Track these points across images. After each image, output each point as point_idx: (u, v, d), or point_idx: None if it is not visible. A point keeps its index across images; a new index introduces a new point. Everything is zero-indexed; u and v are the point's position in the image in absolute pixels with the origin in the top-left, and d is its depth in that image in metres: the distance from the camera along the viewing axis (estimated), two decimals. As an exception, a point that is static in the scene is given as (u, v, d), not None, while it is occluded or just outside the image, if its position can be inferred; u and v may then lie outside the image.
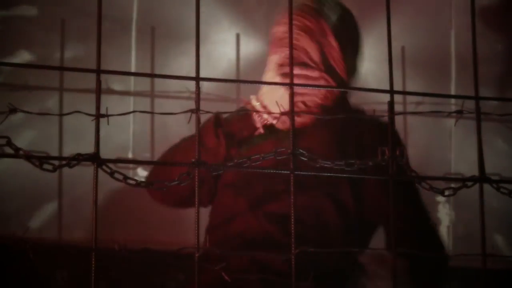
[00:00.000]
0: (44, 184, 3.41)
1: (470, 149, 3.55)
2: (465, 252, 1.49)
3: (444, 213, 3.70)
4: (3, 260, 3.17)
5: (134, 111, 1.58)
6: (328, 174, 1.38)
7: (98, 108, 1.31)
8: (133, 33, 3.52)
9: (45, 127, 3.41)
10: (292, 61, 1.43)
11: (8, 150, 1.28)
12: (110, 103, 1.34)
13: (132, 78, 3.49)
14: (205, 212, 2.38)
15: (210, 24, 3.51)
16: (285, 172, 1.34)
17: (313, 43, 2.32)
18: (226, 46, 3.59)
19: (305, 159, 1.37)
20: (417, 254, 2.07)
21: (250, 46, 3.62)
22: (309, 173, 1.37)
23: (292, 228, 1.34)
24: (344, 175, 1.41)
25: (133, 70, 3.50)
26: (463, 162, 3.70)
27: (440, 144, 3.73)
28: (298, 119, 2.13)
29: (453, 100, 3.39)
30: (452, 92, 3.71)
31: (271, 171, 1.43)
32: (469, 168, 3.46)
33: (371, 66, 3.71)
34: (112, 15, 3.44)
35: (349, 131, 2.30)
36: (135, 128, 3.51)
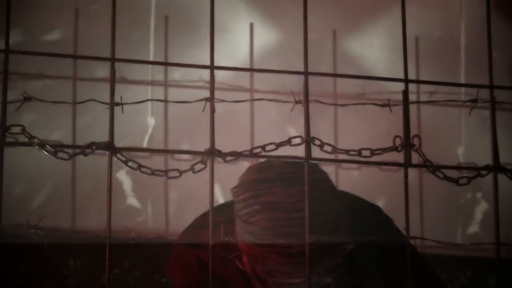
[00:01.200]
0: (54, 172, 3.42)
1: (482, 138, 3.55)
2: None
3: (479, 210, 3.70)
4: (17, 248, 3.18)
5: (148, 100, 1.58)
6: (343, 161, 1.38)
7: (112, 96, 1.32)
8: (152, 22, 3.52)
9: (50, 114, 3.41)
10: (306, 45, 1.42)
11: (22, 138, 1.28)
12: (125, 92, 1.34)
13: (150, 67, 3.49)
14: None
15: (227, 13, 3.52)
16: (300, 160, 1.34)
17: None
18: (243, 36, 3.58)
19: (319, 146, 1.38)
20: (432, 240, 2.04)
21: (265, 36, 3.61)
22: (324, 159, 1.37)
23: (306, 218, 1.35)
24: (359, 162, 1.41)
25: (151, 59, 3.50)
26: (475, 151, 3.69)
27: (451, 133, 3.73)
28: None
29: (463, 89, 3.38)
30: (463, 82, 3.70)
31: (285, 159, 1.43)
32: (482, 158, 3.46)
33: (382, 55, 3.71)
34: (129, 3, 3.44)
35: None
36: (153, 117, 3.51)
